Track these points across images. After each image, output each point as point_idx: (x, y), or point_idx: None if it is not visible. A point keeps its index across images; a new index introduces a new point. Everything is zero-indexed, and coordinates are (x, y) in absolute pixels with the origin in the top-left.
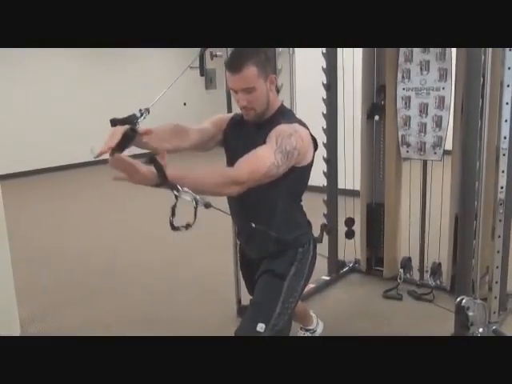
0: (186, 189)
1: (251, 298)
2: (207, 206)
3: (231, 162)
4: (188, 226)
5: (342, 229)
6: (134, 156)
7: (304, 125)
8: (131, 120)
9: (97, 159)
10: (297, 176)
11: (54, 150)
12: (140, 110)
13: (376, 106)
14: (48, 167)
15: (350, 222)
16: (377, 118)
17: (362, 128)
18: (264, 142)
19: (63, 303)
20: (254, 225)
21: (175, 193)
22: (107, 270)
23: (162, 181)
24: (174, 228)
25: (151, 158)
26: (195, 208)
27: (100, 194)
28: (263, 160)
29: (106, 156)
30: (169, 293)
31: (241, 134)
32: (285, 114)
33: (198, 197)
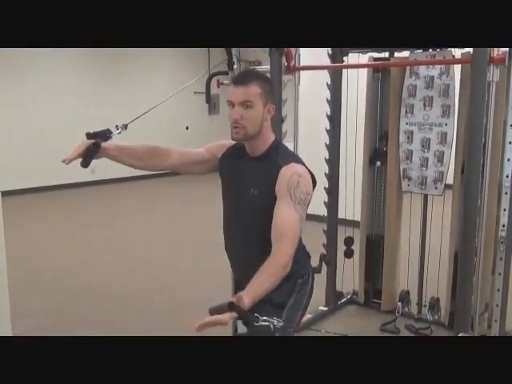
0: (264, 318)
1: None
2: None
3: (224, 192)
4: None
5: (340, 259)
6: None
7: (301, 162)
8: (103, 134)
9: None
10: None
11: (41, 169)
12: (116, 126)
13: (378, 152)
14: (35, 187)
15: (349, 240)
16: (378, 163)
17: (363, 168)
18: (258, 181)
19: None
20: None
21: (255, 323)
22: (100, 292)
23: (246, 317)
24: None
25: (230, 304)
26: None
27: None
28: (293, 223)
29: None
30: (163, 314)
31: (236, 167)
32: (280, 151)
33: (275, 321)
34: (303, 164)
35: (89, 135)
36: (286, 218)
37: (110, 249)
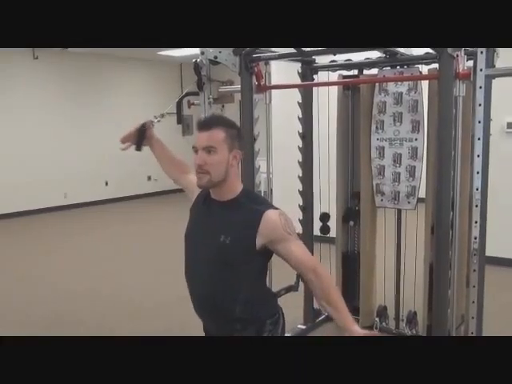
0: None
1: None
2: None
3: (187, 236)
4: None
5: None
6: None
7: (275, 207)
8: (147, 123)
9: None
10: (269, 256)
11: (24, 194)
12: (155, 116)
13: (351, 211)
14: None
15: (325, 216)
16: (351, 223)
17: (337, 228)
18: (228, 228)
19: None
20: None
21: None
22: (72, 317)
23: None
24: None
25: None
26: None
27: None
28: (307, 252)
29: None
30: None
31: (203, 213)
32: (252, 198)
33: None
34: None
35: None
36: (301, 252)
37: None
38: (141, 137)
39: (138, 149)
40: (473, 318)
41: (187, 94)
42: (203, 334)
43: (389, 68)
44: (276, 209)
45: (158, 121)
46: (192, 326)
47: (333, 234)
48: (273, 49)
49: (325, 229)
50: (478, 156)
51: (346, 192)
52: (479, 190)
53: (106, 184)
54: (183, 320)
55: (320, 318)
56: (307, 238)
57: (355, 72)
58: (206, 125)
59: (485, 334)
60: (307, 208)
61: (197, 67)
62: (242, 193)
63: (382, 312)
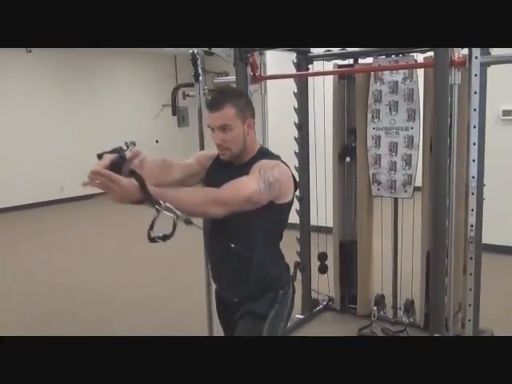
0: (168, 204)
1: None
2: (187, 221)
3: None
4: (166, 238)
5: (315, 266)
6: None
7: (286, 164)
8: (118, 151)
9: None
10: (275, 214)
11: (20, 188)
12: (126, 143)
13: (347, 148)
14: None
15: (323, 256)
16: (348, 159)
17: (333, 168)
18: None
19: None
20: (232, 245)
21: (157, 207)
22: (68, 312)
23: (145, 196)
24: (151, 239)
25: (131, 170)
26: (175, 221)
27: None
28: (246, 185)
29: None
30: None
31: (222, 175)
32: (266, 155)
33: (179, 212)
34: (289, 168)
35: (101, 154)
36: (242, 180)
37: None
38: (115, 168)
39: None
40: (470, 305)
41: (181, 86)
42: (199, 331)
43: (384, 57)
44: (284, 163)
45: (130, 149)
46: (188, 319)
47: (329, 223)
48: None
49: (323, 268)
50: (474, 144)
51: (344, 184)
52: (475, 178)
53: None
54: (179, 313)
55: (318, 308)
56: (304, 228)
57: (350, 61)
58: (216, 104)
59: (481, 321)
60: (304, 198)
61: (194, 58)
62: (259, 152)
63: (380, 300)
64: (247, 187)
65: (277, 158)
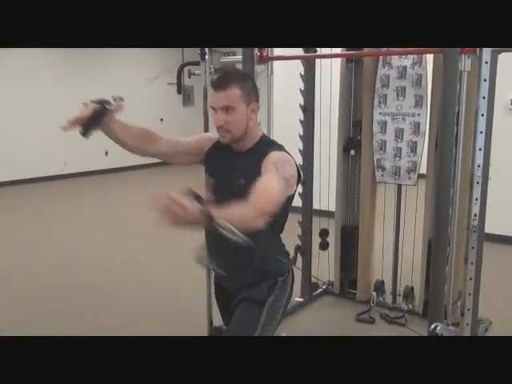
0: (233, 228)
1: (227, 327)
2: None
3: (211, 184)
4: None
5: (316, 250)
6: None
7: (289, 154)
8: (104, 101)
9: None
10: (280, 206)
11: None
12: (113, 97)
13: (352, 141)
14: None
15: (324, 232)
16: (352, 152)
17: (338, 159)
18: (244, 172)
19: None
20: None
21: (221, 231)
22: (72, 290)
23: (210, 221)
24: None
25: (194, 194)
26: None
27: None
28: (275, 189)
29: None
30: (140, 312)
31: (223, 160)
32: (269, 144)
33: (242, 235)
34: (292, 158)
35: (86, 104)
36: (268, 185)
37: (82, 244)
38: (94, 120)
39: (85, 134)
40: (470, 294)
41: (187, 64)
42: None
43: None
44: (284, 152)
45: (116, 102)
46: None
47: (332, 208)
48: None
49: (324, 244)
50: (481, 132)
51: (347, 169)
52: (481, 166)
53: (106, 154)
54: (179, 290)
55: (317, 291)
56: (307, 211)
57: None
58: (221, 84)
59: (481, 310)
60: (307, 182)
61: None
62: (260, 140)
63: (380, 286)
64: (276, 191)
65: (281, 148)
